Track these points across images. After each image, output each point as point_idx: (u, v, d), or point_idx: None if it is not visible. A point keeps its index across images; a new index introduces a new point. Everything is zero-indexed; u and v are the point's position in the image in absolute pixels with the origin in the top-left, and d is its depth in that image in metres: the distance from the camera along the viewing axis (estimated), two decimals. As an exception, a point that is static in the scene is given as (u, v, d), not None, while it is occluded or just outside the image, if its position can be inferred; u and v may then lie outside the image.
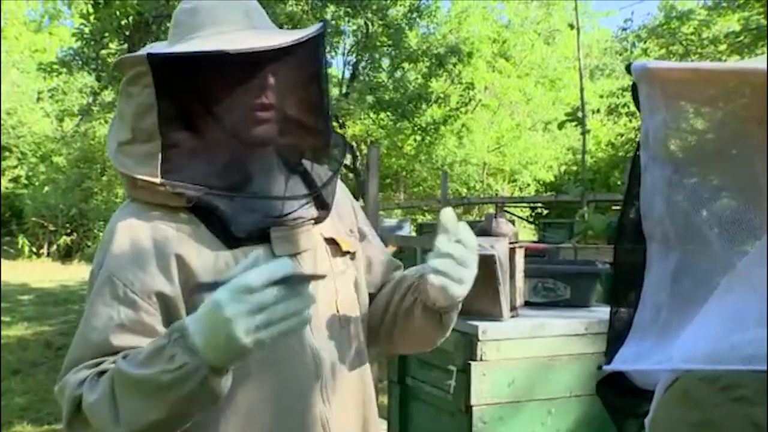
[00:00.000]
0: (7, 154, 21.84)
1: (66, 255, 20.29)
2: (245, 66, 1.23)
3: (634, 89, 0.87)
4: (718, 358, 0.72)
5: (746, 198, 0.85)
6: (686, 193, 0.87)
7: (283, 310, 1.04)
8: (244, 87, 1.26)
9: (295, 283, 1.05)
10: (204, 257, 1.25)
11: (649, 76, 0.84)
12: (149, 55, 1.21)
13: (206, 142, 1.28)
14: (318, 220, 1.36)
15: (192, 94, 1.26)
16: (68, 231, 20.69)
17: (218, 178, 1.27)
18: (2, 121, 21.30)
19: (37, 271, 17.06)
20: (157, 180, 1.23)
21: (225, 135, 1.28)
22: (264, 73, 1.26)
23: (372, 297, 1.51)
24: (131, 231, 1.25)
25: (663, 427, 0.73)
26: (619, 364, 0.90)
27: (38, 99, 15.39)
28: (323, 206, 1.37)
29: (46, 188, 20.85)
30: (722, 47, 12.40)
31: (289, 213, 1.31)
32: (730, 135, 0.85)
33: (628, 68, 0.86)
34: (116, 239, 1.24)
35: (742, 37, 10.79)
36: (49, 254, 20.44)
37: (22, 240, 20.17)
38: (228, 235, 1.26)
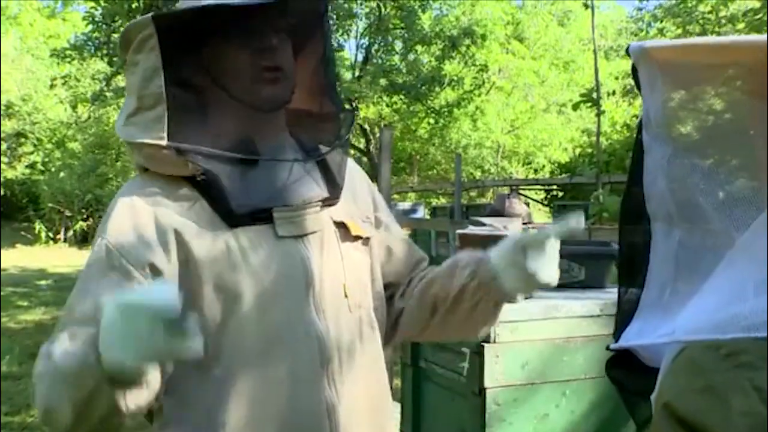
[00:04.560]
0: (23, 140, 22.00)
1: (82, 240, 20.47)
2: (250, 21, 1.21)
3: (634, 70, 0.88)
4: (720, 328, 0.74)
5: (747, 174, 0.85)
6: (687, 171, 0.88)
7: (164, 341, 0.99)
8: (250, 45, 1.23)
9: (176, 320, 0.99)
10: (203, 237, 1.22)
11: (647, 56, 0.85)
12: (154, 15, 1.19)
13: (214, 105, 1.25)
14: (326, 203, 1.32)
15: (198, 54, 1.24)
16: (84, 216, 20.88)
17: (226, 142, 1.24)
18: (18, 108, 21.47)
19: (54, 257, 17.24)
20: (163, 143, 1.20)
21: (233, 97, 1.25)
22: (269, 30, 1.23)
23: (395, 287, 1.48)
24: (132, 204, 1.23)
25: (669, 396, 0.74)
26: (624, 341, 0.92)
27: (51, 86, 15.47)
28: (334, 189, 1.34)
29: (62, 174, 21.01)
30: (740, 26, 12.21)
31: (295, 195, 1.28)
32: (730, 111, 0.85)
33: (627, 50, 0.86)
34: (116, 212, 1.23)
35: (761, 15, 10.62)
36: (65, 239, 20.65)
37: (39, 226, 20.38)
38: (230, 214, 1.23)
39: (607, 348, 0.93)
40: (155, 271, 1.19)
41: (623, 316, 0.94)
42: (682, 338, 0.79)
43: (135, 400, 1.09)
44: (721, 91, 0.84)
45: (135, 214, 1.22)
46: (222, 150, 1.23)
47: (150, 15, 1.19)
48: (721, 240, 0.85)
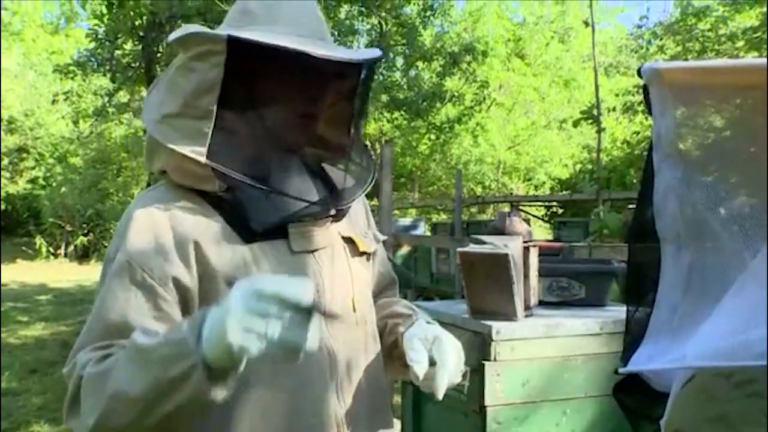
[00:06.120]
0: (25, 155, 22.05)
1: (83, 255, 20.46)
2: (315, 72, 1.24)
3: (645, 91, 0.88)
4: (731, 355, 0.73)
5: (756, 195, 0.85)
6: (697, 192, 0.88)
7: (281, 333, 1.01)
8: (303, 91, 1.27)
9: (303, 314, 1.01)
10: (221, 251, 1.24)
11: (658, 77, 0.85)
12: (230, 36, 1.19)
13: (251, 134, 1.28)
14: (336, 218, 1.36)
15: (257, 85, 1.26)
16: (85, 231, 20.86)
17: (254, 169, 1.26)
18: (20, 123, 21.54)
19: (55, 272, 17.22)
20: (202, 159, 1.22)
21: (266, 131, 1.28)
22: (326, 84, 1.28)
23: None
24: (150, 217, 1.23)
25: (680, 423, 0.74)
26: (634, 365, 0.90)
27: (54, 101, 15.52)
28: (342, 205, 1.38)
29: (63, 189, 21.01)
30: (740, 43, 12.26)
31: (309, 211, 1.30)
32: (739, 132, 0.85)
33: (639, 71, 0.86)
34: (134, 225, 1.23)
35: (760, 33, 10.67)
36: (66, 254, 20.62)
37: (39, 240, 20.36)
38: (246, 229, 1.25)
39: (616, 372, 0.92)
40: (177, 285, 1.20)
41: (632, 337, 0.93)
42: (693, 364, 0.79)
43: (220, 393, 1.07)
44: (731, 111, 0.84)
45: (154, 226, 1.23)
46: (252, 168, 1.25)
47: (226, 35, 1.19)
48: (731, 261, 0.85)
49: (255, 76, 1.25)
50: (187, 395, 1.06)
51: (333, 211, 1.35)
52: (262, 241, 1.26)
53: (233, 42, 1.19)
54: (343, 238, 1.38)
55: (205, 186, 1.25)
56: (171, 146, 1.23)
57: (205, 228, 1.24)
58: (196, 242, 1.22)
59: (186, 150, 1.22)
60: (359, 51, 1.35)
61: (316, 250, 1.31)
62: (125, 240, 1.22)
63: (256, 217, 1.25)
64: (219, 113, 1.22)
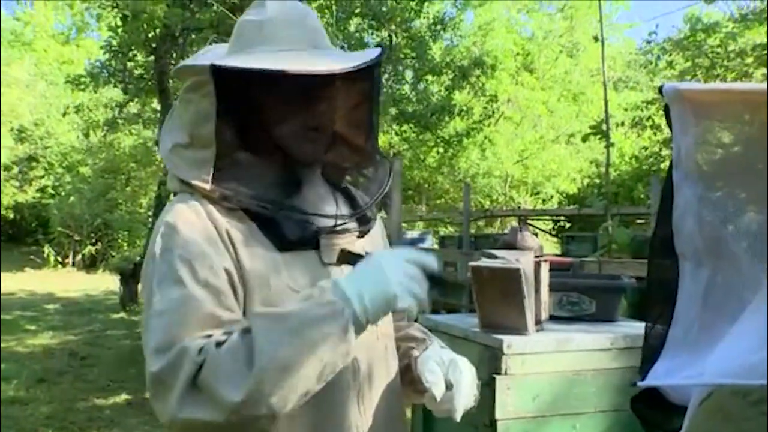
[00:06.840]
0: (34, 164, 22.17)
1: (91, 264, 20.53)
2: (303, 87, 1.27)
3: (666, 110, 0.90)
4: (748, 373, 0.74)
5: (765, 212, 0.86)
6: (716, 209, 0.88)
7: (419, 292, 1.18)
8: (299, 107, 1.30)
9: (431, 281, 1.22)
10: (254, 251, 1.26)
11: (680, 97, 0.86)
12: (212, 66, 1.24)
13: (258, 155, 1.31)
14: (362, 234, 1.40)
15: (250, 108, 1.29)
16: (93, 241, 20.96)
17: (266, 191, 1.29)
18: (30, 132, 21.68)
19: (63, 281, 17.28)
20: (208, 186, 1.26)
21: (276, 150, 1.32)
22: (320, 96, 1.30)
23: None
24: (194, 212, 1.26)
25: None
26: (652, 380, 0.91)
27: (65, 114, 15.61)
28: (366, 220, 1.42)
29: (72, 198, 21.11)
30: (749, 60, 12.27)
31: (339, 224, 1.34)
32: (758, 151, 0.86)
33: (660, 90, 0.88)
34: (182, 224, 1.25)
35: (768, 50, 10.67)
36: (74, 264, 20.69)
37: (48, 249, 20.44)
38: (279, 238, 1.28)
39: (633, 385, 0.93)
40: (229, 276, 1.23)
41: (650, 351, 0.95)
42: (711, 381, 0.79)
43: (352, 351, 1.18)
44: (752, 131, 0.85)
45: (199, 222, 1.25)
46: (264, 190, 1.28)
47: (209, 64, 1.23)
48: (748, 280, 0.85)
49: (246, 99, 1.29)
50: (341, 351, 1.15)
51: (359, 226, 1.39)
52: (293, 250, 1.29)
53: (218, 72, 1.23)
54: (367, 253, 1.40)
55: (226, 204, 1.28)
56: (178, 175, 1.29)
57: (237, 229, 1.27)
58: (233, 243, 1.25)
59: (191, 178, 1.27)
60: (353, 55, 1.35)
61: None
62: (176, 238, 1.23)
63: (289, 227, 1.28)
64: (221, 140, 1.25)
